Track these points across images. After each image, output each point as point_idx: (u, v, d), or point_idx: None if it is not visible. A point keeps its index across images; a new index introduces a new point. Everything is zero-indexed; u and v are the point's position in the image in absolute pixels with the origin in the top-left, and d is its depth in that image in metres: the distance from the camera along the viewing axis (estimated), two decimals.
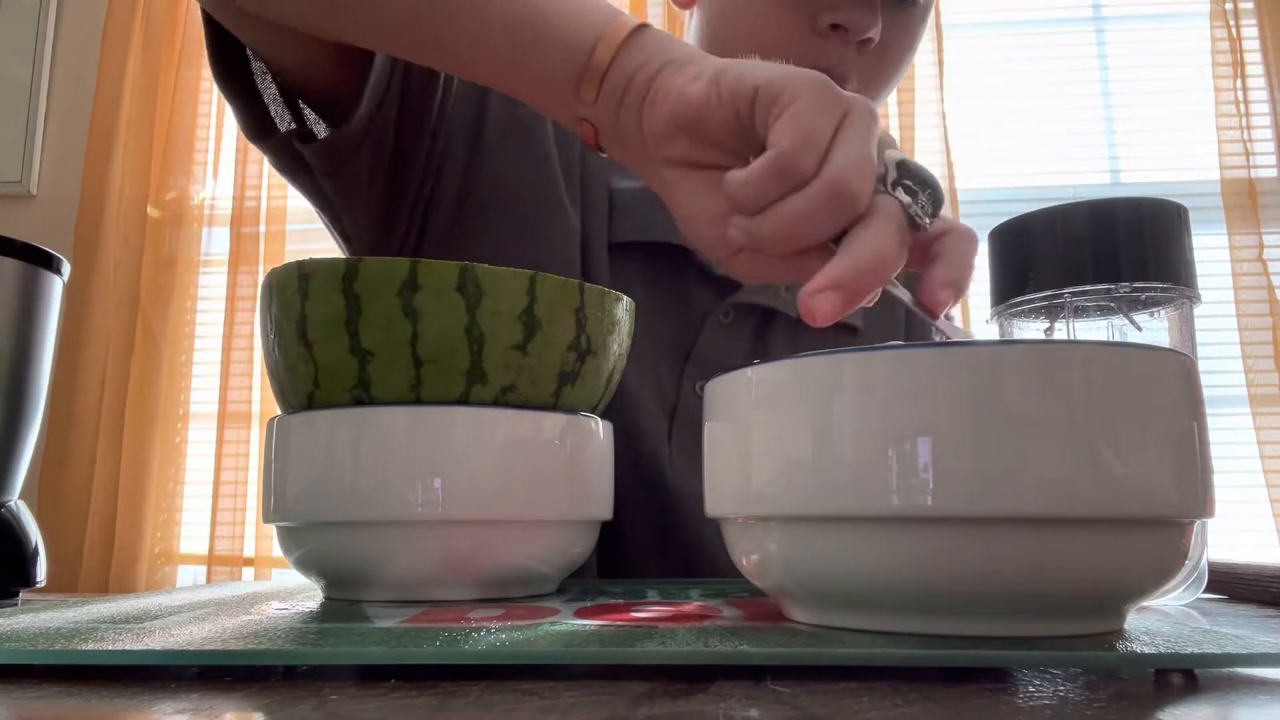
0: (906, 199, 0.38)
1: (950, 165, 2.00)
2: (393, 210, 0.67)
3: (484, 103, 0.70)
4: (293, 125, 0.64)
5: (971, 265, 0.41)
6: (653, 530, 0.67)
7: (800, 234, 0.37)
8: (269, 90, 0.62)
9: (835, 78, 0.65)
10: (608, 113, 0.44)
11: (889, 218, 0.37)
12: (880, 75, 0.67)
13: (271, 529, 0.46)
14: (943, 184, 2.08)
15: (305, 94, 0.63)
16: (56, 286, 0.62)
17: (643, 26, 0.44)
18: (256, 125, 0.62)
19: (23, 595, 0.58)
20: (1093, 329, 0.48)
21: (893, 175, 0.39)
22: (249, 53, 0.60)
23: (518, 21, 0.46)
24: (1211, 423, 0.31)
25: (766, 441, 0.31)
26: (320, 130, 0.64)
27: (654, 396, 0.69)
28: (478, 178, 0.68)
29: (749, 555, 0.34)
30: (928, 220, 0.39)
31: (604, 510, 0.46)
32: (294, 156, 0.62)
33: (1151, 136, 2.08)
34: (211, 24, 0.59)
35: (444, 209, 0.68)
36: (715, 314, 0.71)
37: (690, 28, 0.71)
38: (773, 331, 0.73)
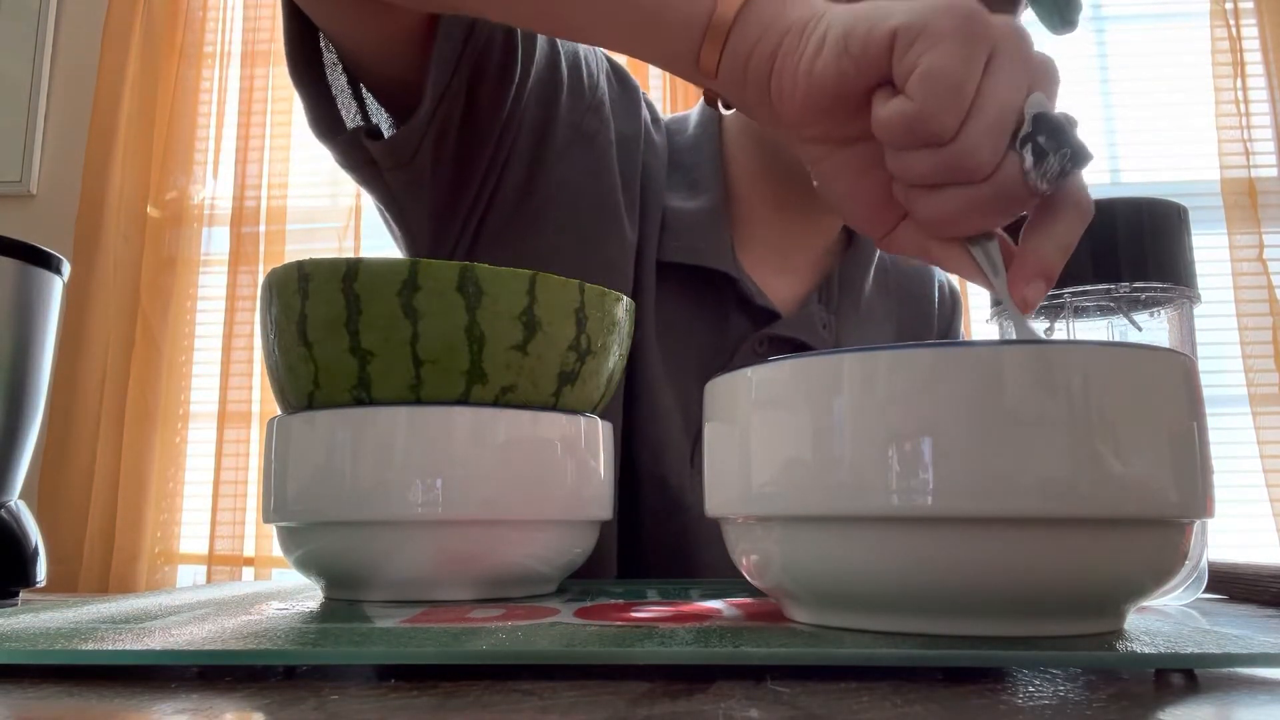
0: (1029, 162, 0.35)
1: None
2: (453, 206, 0.66)
3: (554, 106, 0.69)
4: (360, 122, 0.64)
5: (1071, 249, 0.37)
6: (673, 551, 0.66)
7: (969, 224, 0.37)
8: (339, 82, 0.62)
9: None
10: (733, 88, 0.42)
11: (1074, 205, 0.36)
12: None
13: (271, 529, 0.46)
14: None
15: (375, 87, 0.63)
16: (56, 286, 0.62)
17: None
18: (326, 123, 0.62)
19: (23, 595, 0.58)
20: (1093, 329, 0.48)
21: (1026, 129, 0.35)
22: (323, 44, 0.60)
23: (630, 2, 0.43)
24: (1211, 423, 0.31)
25: (766, 441, 0.31)
26: (385, 126, 0.64)
27: (681, 418, 0.69)
28: (540, 180, 0.67)
29: (749, 555, 0.34)
30: (1046, 188, 0.35)
31: (604, 510, 0.46)
32: (362, 153, 0.62)
33: (1151, 136, 2.08)
34: (291, 13, 0.59)
35: (504, 208, 0.67)
36: (750, 343, 0.70)
37: None
38: None
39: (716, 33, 0.41)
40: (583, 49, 0.71)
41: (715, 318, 0.71)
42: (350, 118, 0.63)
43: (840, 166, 0.41)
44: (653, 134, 0.73)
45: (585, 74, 0.70)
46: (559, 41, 0.69)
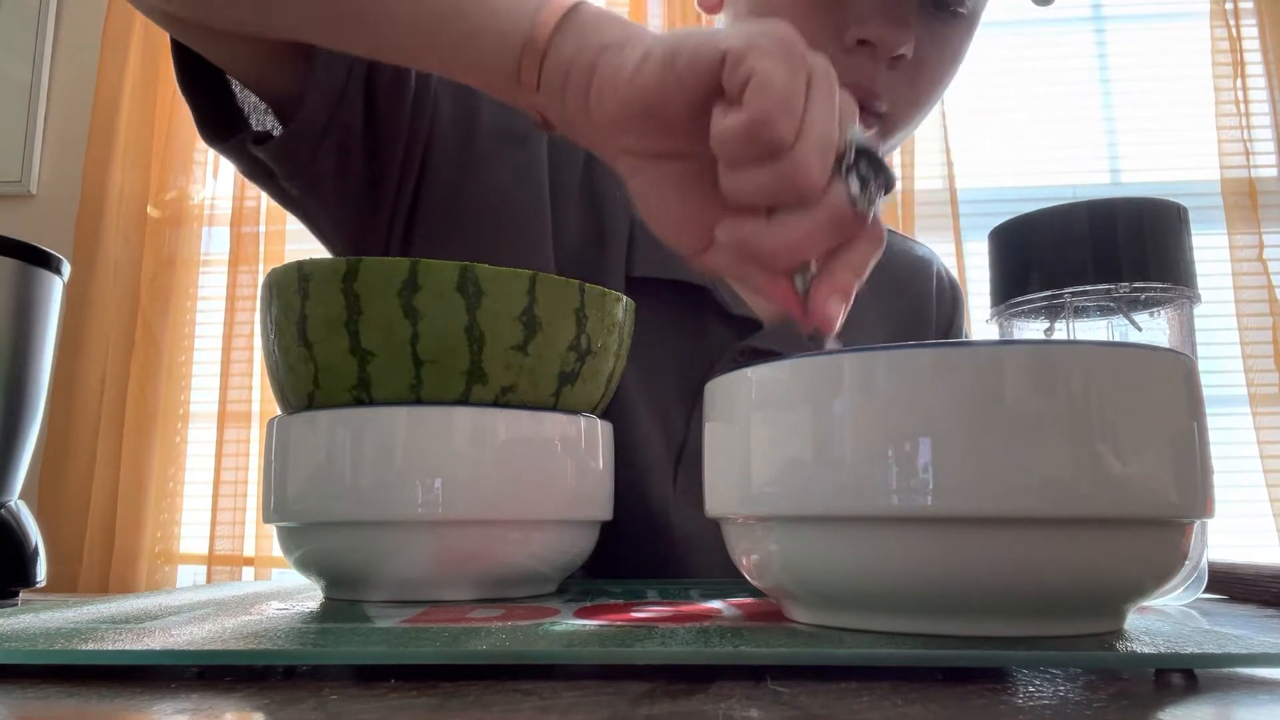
0: (856, 189, 0.37)
1: (950, 165, 2.01)
2: (369, 216, 0.65)
3: (475, 111, 0.67)
4: (259, 126, 0.62)
5: (864, 273, 0.40)
6: (656, 575, 0.64)
7: (802, 252, 0.38)
8: (239, 87, 0.61)
9: (865, 95, 0.62)
10: (554, 100, 0.42)
11: (868, 232, 0.38)
12: (914, 94, 0.63)
13: (271, 529, 0.46)
14: (943, 184, 2.08)
15: (264, 97, 0.62)
16: (56, 286, 0.62)
17: (578, 4, 0.42)
18: (213, 128, 0.60)
19: (23, 595, 0.58)
20: (1093, 329, 0.48)
21: (849, 159, 0.37)
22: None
23: (442, 23, 0.44)
24: (1211, 423, 0.31)
25: (766, 441, 0.31)
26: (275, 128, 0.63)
27: (661, 435, 0.66)
28: (468, 182, 0.66)
29: (749, 555, 0.34)
30: (868, 213, 0.37)
31: (604, 510, 0.46)
32: (254, 159, 0.60)
33: (1151, 136, 2.08)
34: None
35: (432, 212, 0.66)
36: (728, 355, 0.68)
37: None
38: None
39: (535, 45, 0.42)
40: None
41: (693, 332, 0.68)
42: (257, 120, 0.62)
43: (654, 181, 0.41)
44: None
45: None
46: None
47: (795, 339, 0.69)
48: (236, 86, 0.61)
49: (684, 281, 0.67)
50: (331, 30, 0.49)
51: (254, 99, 0.62)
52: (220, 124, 0.61)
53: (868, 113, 0.61)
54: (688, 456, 0.66)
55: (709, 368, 0.68)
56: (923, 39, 0.60)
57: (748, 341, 0.68)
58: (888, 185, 0.38)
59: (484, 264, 0.41)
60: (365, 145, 0.63)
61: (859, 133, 0.38)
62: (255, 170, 0.62)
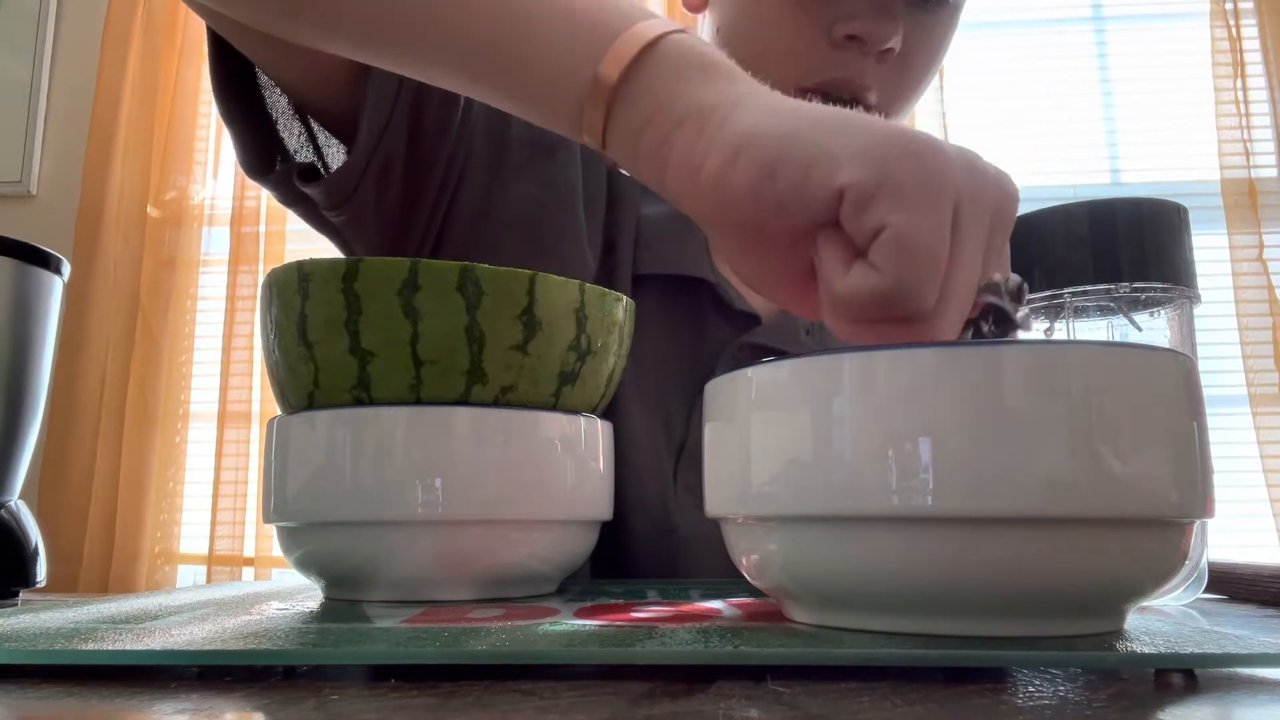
0: (966, 336, 0.33)
1: None
2: (405, 233, 0.65)
3: (506, 126, 0.66)
4: (298, 152, 0.62)
5: None
6: (661, 575, 0.64)
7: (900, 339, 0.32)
8: (280, 103, 0.60)
9: (854, 90, 0.61)
10: (626, 164, 0.37)
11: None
12: (904, 85, 0.62)
13: (271, 529, 0.46)
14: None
15: (318, 116, 0.61)
16: (56, 286, 0.62)
17: (658, 41, 0.35)
18: (256, 161, 0.59)
19: (23, 595, 0.58)
20: (1093, 329, 0.48)
21: (974, 313, 0.32)
22: (258, 72, 0.58)
23: (500, 38, 0.38)
24: (1211, 423, 0.31)
25: (766, 441, 0.31)
26: (337, 153, 0.62)
27: (661, 433, 0.66)
28: (498, 198, 0.65)
29: (749, 555, 0.34)
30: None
31: (604, 510, 0.46)
32: (295, 191, 0.60)
33: (1151, 136, 2.08)
34: (217, 45, 0.56)
35: (458, 232, 0.65)
36: (729, 351, 0.67)
37: (701, 34, 0.66)
38: None
39: (598, 98, 0.35)
40: None
41: (693, 328, 0.68)
42: (295, 139, 0.61)
43: (751, 253, 0.35)
44: None
45: None
46: None
47: (793, 335, 0.69)
48: (270, 96, 0.60)
49: (686, 276, 0.67)
50: (388, 50, 0.44)
51: (297, 129, 0.61)
52: (262, 154, 0.60)
53: (861, 107, 0.61)
54: (688, 453, 0.66)
55: (709, 365, 0.68)
56: (910, 30, 0.60)
57: (747, 338, 0.68)
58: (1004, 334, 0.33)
59: (483, 264, 0.41)
60: (406, 172, 0.62)
61: (998, 287, 0.32)
62: (291, 200, 0.61)
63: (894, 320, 0.31)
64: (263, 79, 0.59)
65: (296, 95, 0.59)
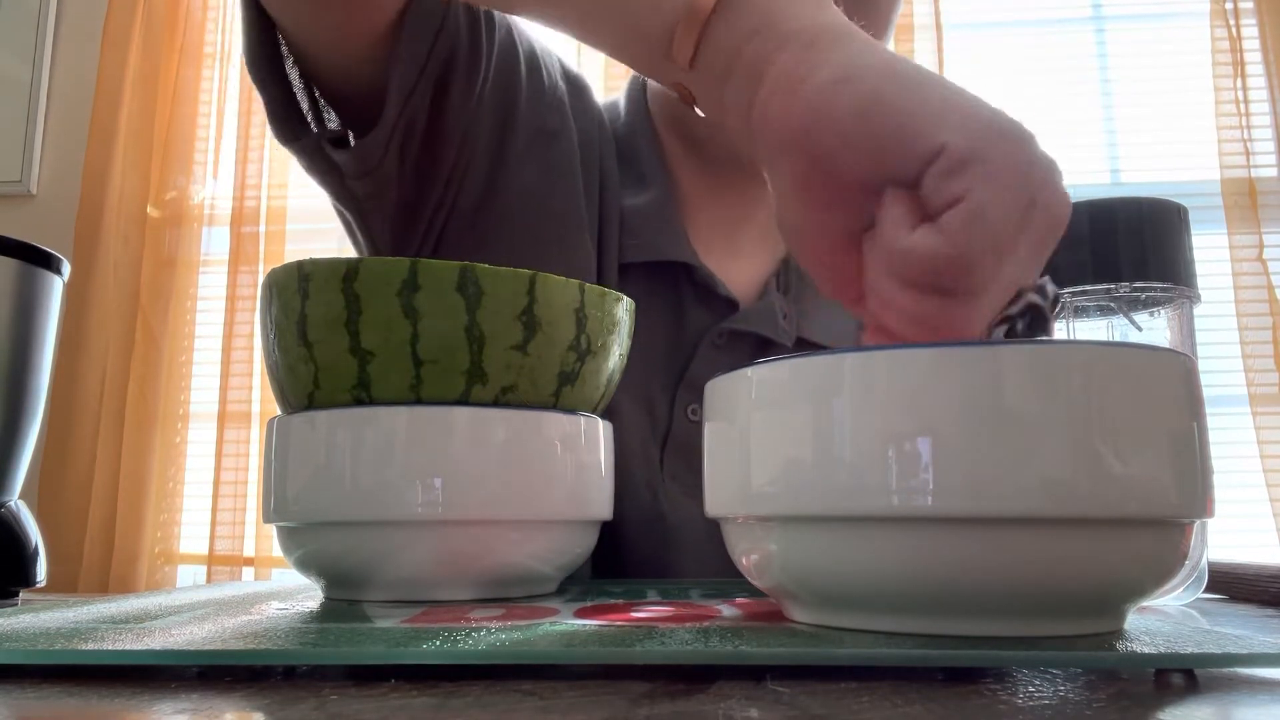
0: (996, 334, 0.33)
1: None
2: (416, 211, 0.65)
3: (514, 102, 0.67)
4: (319, 123, 0.62)
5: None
6: (653, 564, 0.65)
7: (943, 331, 0.32)
8: (298, 82, 0.61)
9: None
10: (707, 85, 0.36)
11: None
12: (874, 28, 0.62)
13: (271, 529, 0.46)
14: None
15: (332, 93, 0.62)
16: (56, 286, 0.62)
17: None
18: (288, 125, 0.60)
19: (23, 595, 0.58)
20: (1093, 329, 0.48)
21: (1012, 309, 0.32)
22: (281, 43, 0.58)
23: None
24: (1211, 423, 0.31)
25: (766, 441, 0.31)
26: (338, 126, 0.63)
27: (646, 422, 0.66)
28: (502, 183, 0.66)
29: (749, 555, 0.34)
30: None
31: (604, 510, 0.46)
32: (325, 159, 0.61)
33: (1151, 136, 2.08)
34: (250, 6, 0.56)
35: (463, 217, 0.66)
36: (709, 337, 0.68)
37: None
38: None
39: (695, 17, 0.35)
40: (537, 45, 0.70)
41: (673, 314, 0.69)
42: (309, 117, 0.62)
43: (807, 204, 0.35)
44: (606, 132, 0.72)
45: (544, 71, 0.69)
46: (515, 35, 0.67)
47: (771, 320, 0.69)
48: (291, 73, 0.60)
49: (667, 262, 0.68)
50: None
51: (301, 85, 0.61)
52: (293, 123, 0.61)
53: None
54: (673, 442, 0.67)
55: (690, 353, 0.68)
56: None
57: (726, 324, 0.68)
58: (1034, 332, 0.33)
59: (483, 264, 0.41)
60: (424, 142, 0.63)
61: (1040, 291, 0.33)
62: (318, 168, 0.62)
63: (938, 292, 0.31)
64: (286, 55, 0.59)
65: (317, 60, 0.59)
